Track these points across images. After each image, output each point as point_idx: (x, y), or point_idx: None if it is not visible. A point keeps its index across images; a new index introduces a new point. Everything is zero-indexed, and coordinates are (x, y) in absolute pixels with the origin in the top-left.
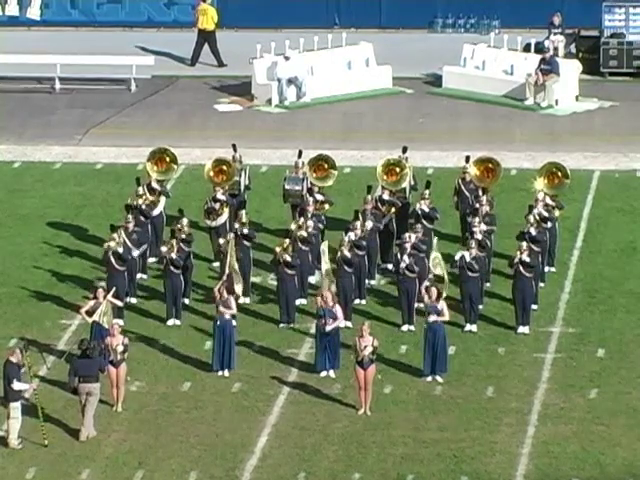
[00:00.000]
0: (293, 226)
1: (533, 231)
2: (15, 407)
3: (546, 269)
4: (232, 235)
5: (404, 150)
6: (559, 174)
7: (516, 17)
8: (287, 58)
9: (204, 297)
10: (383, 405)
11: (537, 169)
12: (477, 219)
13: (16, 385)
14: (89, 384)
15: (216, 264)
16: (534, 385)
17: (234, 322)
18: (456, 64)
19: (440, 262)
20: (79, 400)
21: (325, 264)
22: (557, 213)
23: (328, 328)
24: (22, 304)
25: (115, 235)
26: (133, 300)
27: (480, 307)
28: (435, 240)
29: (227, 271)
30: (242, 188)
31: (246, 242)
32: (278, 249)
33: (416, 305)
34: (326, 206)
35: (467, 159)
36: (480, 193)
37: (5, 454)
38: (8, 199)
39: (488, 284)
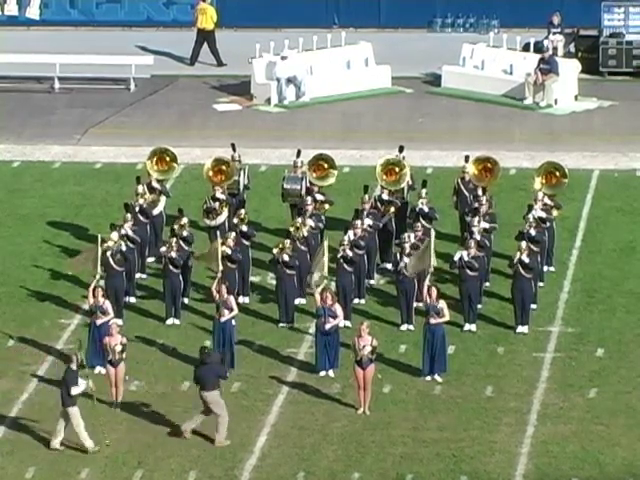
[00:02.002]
0: (292, 228)
1: (532, 231)
2: (73, 412)
3: (545, 269)
4: (233, 235)
5: (400, 149)
6: (557, 174)
7: (515, 17)
8: (284, 58)
9: (203, 296)
10: (382, 405)
11: (536, 169)
12: (477, 219)
13: (74, 390)
14: (205, 391)
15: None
16: (533, 385)
17: (234, 322)
18: (455, 64)
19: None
20: (202, 404)
21: (320, 259)
22: (555, 213)
23: (327, 327)
24: (21, 303)
25: (113, 235)
26: (132, 300)
27: (479, 306)
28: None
29: (220, 267)
30: (241, 187)
31: (245, 241)
32: (275, 250)
33: (415, 305)
34: (326, 206)
35: (466, 159)
36: (480, 193)
37: (4, 453)
38: (7, 199)
39: (487, 284)
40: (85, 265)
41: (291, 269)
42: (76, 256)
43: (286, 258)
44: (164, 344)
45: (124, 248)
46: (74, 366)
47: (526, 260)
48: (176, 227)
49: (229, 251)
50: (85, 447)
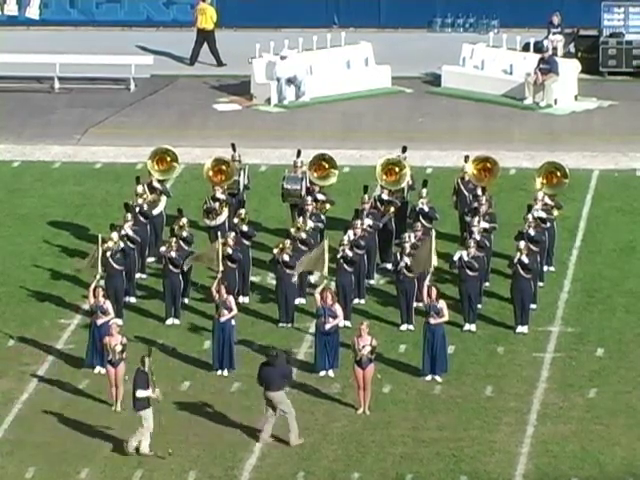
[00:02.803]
0: (293, 230)
1: (532, 231)
2: (145, 415)
3: (545, 269)
4: (233, 235)
5: (404, 150)
6: (558, 174)
7: (515, 17)
8: (283, 58)
9: (203, 296)
10: (382, 404)
11: (536, 169)
12: (477, 219)
13: (139, 393)
14: (271, 392)
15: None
16: (533, 384)
17: (233, 322)
18: (455, 64)
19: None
20: (265, 407)
21: (320, 257)
22: (556, 213)
23: (327, 327)
24: (21, 303)
25: (114, 235)
26: (132, 300)
27: (479, 306)
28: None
29: (221, 268)
30: (241, 187)
31: (245, 241)
32: (276, 250)
33: (415, 305)
34: (327, 206)
35: (466, 159)
36: (479, 192)
37: (4, 454)
38: (7, 199)
39: (487, 284)
40: (91, 265)
41: (291, 269)
42: (85, 259)
43: (286, 258)
44: (164, 344)
45: (124, 247)
46: (145, 368)
47: (525, 260)
48: (176, 228)
49: (230, 251)
50: (142, 449)
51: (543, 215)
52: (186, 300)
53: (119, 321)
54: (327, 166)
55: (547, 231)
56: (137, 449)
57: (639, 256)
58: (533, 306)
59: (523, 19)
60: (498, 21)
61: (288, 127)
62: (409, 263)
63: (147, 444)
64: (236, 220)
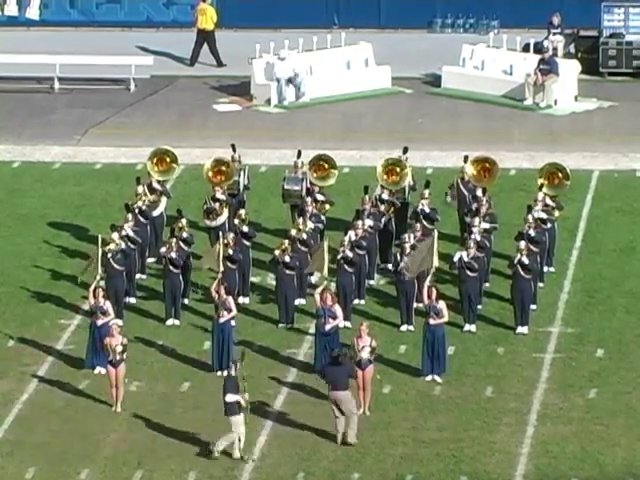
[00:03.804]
0: (293, 231)
1: (532, 232)
2: (234, 421)
3: (545, 269)
4: (232, 235)
5: (405, 151)
6: (559, 175)
7: (515, 17)
8: (282, 59)
9: (203, 297)
10: (382, 405)
11: (536, 169)
12: (477, 219)
13: (228, 397)
14: (338, 391)
15: None
16: (533, 385)
17: (233, 322)
18: (455, 64)
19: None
20: (330, 408)
21: (320, 257)
22: (557, 214)
23: (327, 327)
24: (21, 304)
25: (114, 236)
26: (132, 300)
27: (479, 307)
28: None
29: (221, 268)
30: (241, 188)
31: (246, 241)
32: (278, 252)
33: (415, 305)
34: (327, 206)
35: (465, 159)
36: (479, 193)
37: (4, 454)
38: (7, 199)
39: (487, 284)
40: (91, 268)
41: (291, 270)
42: (85, 265)
43: (287, 259)
44: (164, 345)
45: (124, 247)
46: (233, 372)
47: (525, 261)
48: (176, 230)
49: (230, 251)
50: (234, 453)
51: (543, 216)
52: (186, 301)
53: (119, 321)
54: (327, 166)
55: (547, 232)
56: (224, 452)
57: (639, 256)
58: (533, 307)
59: (523, 20)
60: (498, 22)
61: (288, 128)
62: (406, 263)
63: (238, 450)
64: (237, 221)
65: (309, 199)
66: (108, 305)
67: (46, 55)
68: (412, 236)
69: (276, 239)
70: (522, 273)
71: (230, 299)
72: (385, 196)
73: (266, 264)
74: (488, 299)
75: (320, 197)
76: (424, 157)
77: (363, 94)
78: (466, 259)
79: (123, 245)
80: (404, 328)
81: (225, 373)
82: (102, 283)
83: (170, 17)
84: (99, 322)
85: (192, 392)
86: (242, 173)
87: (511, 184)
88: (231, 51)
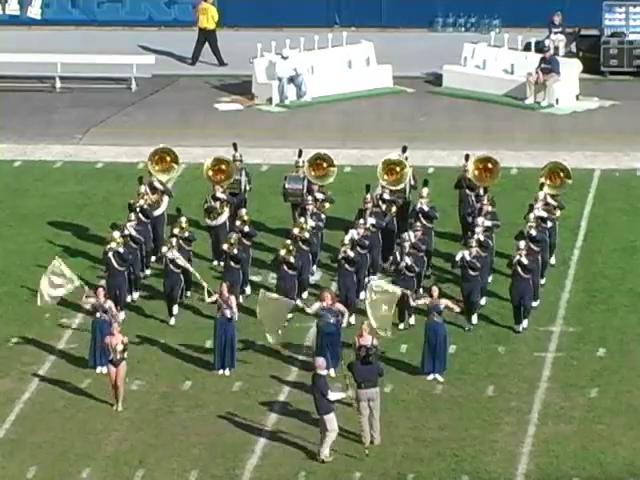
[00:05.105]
0: (296, 230)
1: (533, 231)
2: (329, 419)
3: (552, 261)
4: (235, 235)
5: (404, 150)
6: (561, 174)
7: (516, 16)
8: (285, 57)
9: (203, 297)
10: (383, 404)
11: (537, 168)
12: (480, 219)
13: (332, 396)
14: (368, 389)
15: (216, 263)
16: (534, 384)
17: (234, 321)
18: (456, 63)
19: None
20: (357, 407)
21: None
22: (558, 213)
23: (343, 324)
24: (23, 303)
25: (115, 235)
26: (134, 299)
27: (482, 303)
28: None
29: (214, 299)
30: (242, 187)
31: (246, 241)
32: (283, 251)
33: (415, 304)
34: (327, 204)
35: (466, 157)
36: (481, 192)
37: (5, 453)
38: (9, 198)
39: (489, 281)
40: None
41: (294, 270)
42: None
43: (291, 260)
44: (165, 343)
45: (123, 249)
46: (321, 372)
47: (525, 261)
48: (176, 230)
49: (235, 251)
50: (322, 454)
51: (544, 215)
52: (187, 299)
53: (120, 319)
54: (325, 165)
55: (548, 231)
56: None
57: None
58: (535, 303)
59: (524, 19)
60: (499, 21)
61: (289, 127)
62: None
63: (327, 450)
64: (238, 223)
65: (309, 198)
66: (109, 304)
67: (47, 54)
68: (412, 235)
69: (277, 238)
70: (521, 273)
71: (232, 298)
72: (386, 196)
73: (267, 264)
74: (489, 298)
75: (320, 195)
76: (425, 156)
77: (364, 93)
78: (468, 258)
79: (122, 247)
80: (402, 327)
81: (220, 372)
82: (103, 282)
83: (171, 16)
84: (100, 321)
85: (193, 391)
86: (243, 172)
87: (512, 183)
88: (232, 50)
